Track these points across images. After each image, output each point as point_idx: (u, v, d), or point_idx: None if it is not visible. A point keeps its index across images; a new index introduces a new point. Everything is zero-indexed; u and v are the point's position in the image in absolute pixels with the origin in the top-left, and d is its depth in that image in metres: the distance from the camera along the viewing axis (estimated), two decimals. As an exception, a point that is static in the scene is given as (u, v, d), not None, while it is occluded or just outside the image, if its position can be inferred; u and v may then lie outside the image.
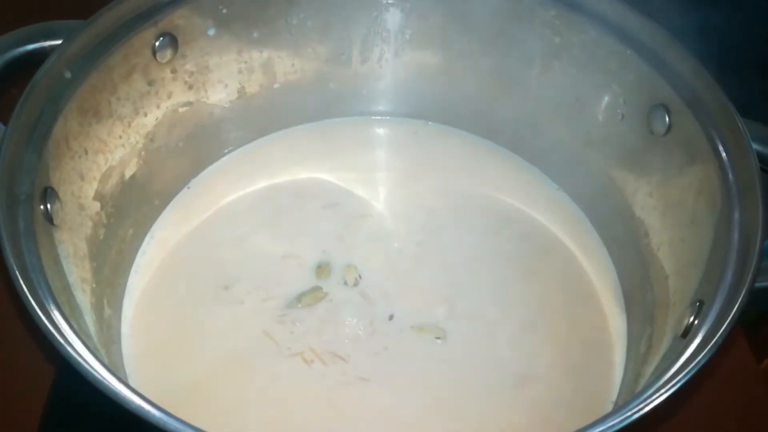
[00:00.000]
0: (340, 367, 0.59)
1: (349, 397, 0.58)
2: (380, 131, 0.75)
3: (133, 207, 0.64)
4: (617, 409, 0.44)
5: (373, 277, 0.64)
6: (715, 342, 0.46)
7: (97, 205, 0.59)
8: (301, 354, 0.60)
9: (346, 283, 0.64)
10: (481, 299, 0.63)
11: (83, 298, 0.54)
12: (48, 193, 0.52)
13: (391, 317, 0.62)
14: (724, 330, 0.47)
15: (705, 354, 0.46)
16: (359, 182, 0.70)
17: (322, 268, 0.64)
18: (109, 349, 0.56)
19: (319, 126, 0.74)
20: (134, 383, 0.57)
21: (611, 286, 0.65)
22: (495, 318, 0.62)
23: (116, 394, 0.42)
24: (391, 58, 0.71)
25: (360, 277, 0.64)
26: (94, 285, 0.57)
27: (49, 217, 0.52)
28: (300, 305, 0.62)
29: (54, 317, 0.45)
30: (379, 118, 0.75)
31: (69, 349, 0.44)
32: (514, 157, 0.73)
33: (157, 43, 0.61)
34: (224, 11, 0.63)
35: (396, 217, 0.69)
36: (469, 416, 0.58)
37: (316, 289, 0.63)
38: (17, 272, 0.46)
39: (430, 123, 0.75)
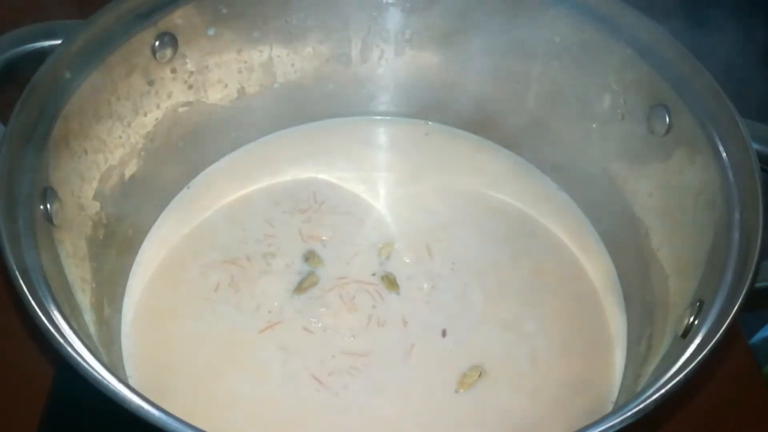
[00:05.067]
0: (339, 367, 0.59)
1: (349, 395, 0.58)
2: (380, 131, 0.75)
3: (133, 207, 0.64)
4: (617, 409, 0.44)
5: (374, 276, 0.64)
6: (715, 342, 0.47)
7: (96, 205, 0.59)
8: (300, 352, 0.60)
9: (380, 254, 0.65)
10: (480, 298, 0.63)
11: (83, 297, 0.54)
12: (48, 193, 0.52)
13: (391, 317, 0.62)
14: (723, 330, 0.47)
15: (705, 354, 0.46)
16: (359, 182, 0.70)
17: (311, 259, 0.65)
18: (108, 348, 0.56)
19: (319, 126, 0.74)
20: (134, 383, 0.57)
21: (611, 286, 0.65)
22: (493, 317, 0.62)
23: (116, 393, 0.42)
24: (392, 58, 0.71)
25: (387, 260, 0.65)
26: (94, 285, 0.57)
27: (48, 217, 0.52)
28: (299, 295, 0.63)
29: (54, 317, 0.45)
30: (380, 118, 0.75)
31: (69, 348, 0.44)
32: (514, 157, 0.73)
33: (157, 43, 0.61)
34: (224, 11, 0.63)
35: (396, 217, 0.69)
36: (469, 413, 0.58)
37: (311, 275, 0.64)
38: (17, 272, 0.46)
39: (430, 123, 0.75)
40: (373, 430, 0.57)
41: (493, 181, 0.71)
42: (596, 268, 0.66)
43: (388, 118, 0.75)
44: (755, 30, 0.70)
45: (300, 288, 0.63)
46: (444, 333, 0.61)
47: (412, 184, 0.71)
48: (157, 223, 0.67)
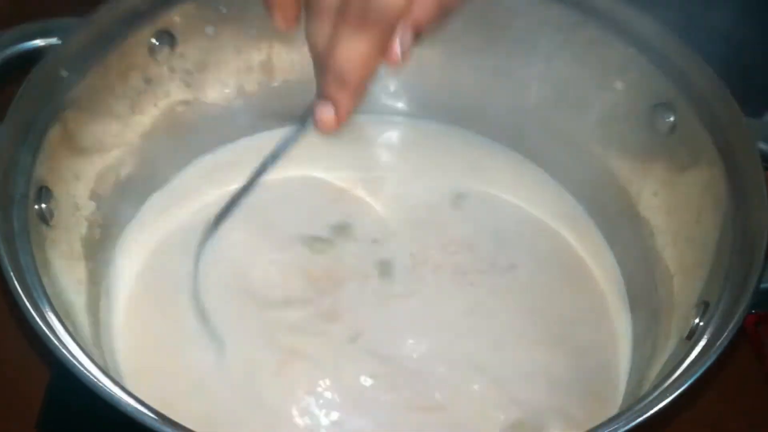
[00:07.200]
0: (341, 367, 0.59)
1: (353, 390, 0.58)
2: (381, 129, 0.74)
3: (129, 207, 0.63)
4: (621, 412, 0.44)
5: (374, 273, 0.64)
6: (720, 344, 0.46)
7: (92, 205, 0.59)
8: (302, 351, 0.59)
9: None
10: (483, 297, 0.63)
11: (78, 298, 0.54)
12: (43, 193, 0.52)
13: (389, 316, 0.62)
14: (729, 332, 0.47)
15: (710, 356, 0.46)
16: (359, 180, 0.70)
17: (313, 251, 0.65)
18: (103, 350, 0.55)
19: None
20: (129, 385, 0.56)
21: (616, 286, 0.64)
22: (496, 317, 0.62)
23: (111, 396, 0.42)
24: (391, 57, 0.71)
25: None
26: (90, 286, 0.57)
27: (44, 217, 0.52)
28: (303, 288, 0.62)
29: (48, 318, 0.45)
30: (380, 116, 0.75)
31: (64, 350, 0.44)
32: (516, 155, 0.72)
33: (155, 42, 0.60)
34: (223, 10, 0.63)
35: (397, 214, 0.68)
36: (468, 413, 0.57)
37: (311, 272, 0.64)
38: (11, 273, 0.46)
39: (430, 121, 0.74)
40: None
41: (496, 180, 0.70)
42: (601, 268, 0.65)
43: (387, 116, 0.75)
44: (761, 27, 0.70)
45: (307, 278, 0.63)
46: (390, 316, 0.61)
47: (413, 182, 0.70)
48: (153, 224, 0.66)
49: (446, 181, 0.70)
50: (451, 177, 0.71)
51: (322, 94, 0.45)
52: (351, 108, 0.45)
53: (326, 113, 0.45)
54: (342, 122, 0.45)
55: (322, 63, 0.43)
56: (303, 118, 0.49)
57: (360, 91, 0.44)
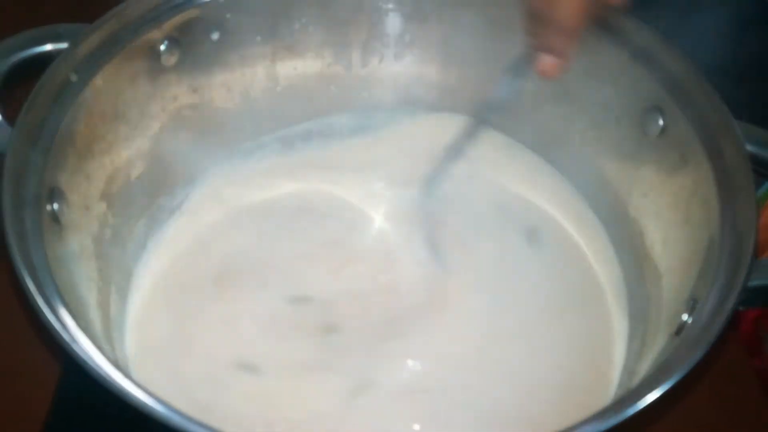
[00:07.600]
0: (346, 368, 0.60)
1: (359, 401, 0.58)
2: (383, 127, 0.74)
3: (139, 207, 0.64)
4: (609, 406, 0.45)
5: (378, 270, 0.65)
6: (708, 340, 0.47)
7: (103, 206, 0.60)
8: (305, 350, 0.60)
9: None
10: (485, 292, 0.63)
11: (89, 296, 0.55)
12: (54, 194, 0.53)
13: (390, 314, 0.62)
14: (717, 328, 0.47)
15: (698, 352, 0.47)
16: (360, 176, 0.70)
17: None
18: (114, 346, 0.56)
19: (321, 123, 0.74)
20: (140, 381, 0.57)
21: (615, 283, 0.65)
22: (496, 311, 0.62)
23: (121, 390, 0.43)
24: (392, 62, 0.72)
25: None
26: (101, 284, 0.57)
27: (55, 217, 0.53)
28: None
29: (60, 315, 0.46)
30: (382, 114, 0.75)
31: (75, 347, 0.45)
32: (517, 145, 0.72)
33: (162, 47, 0.61)
34: (228, 16, 0.64)
35: (400, 210, 0.69)
36: (467, 412, 0.58)
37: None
38: (24, 271, 0.46)
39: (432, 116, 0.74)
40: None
41: (494, 173, 0.71)
42: (602, 264, 0.66)
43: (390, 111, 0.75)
44: (749, 31, 0.71)
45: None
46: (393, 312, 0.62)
47: (415, 177, 0.70)
48: (161, 224, 0.67)
49: (451, 175, 0.69)
50: (455, 171, 0.69)
51: (542, 47, 0.51)
52: (572, 53, 0.51)
53: (549, 61, 0.51)
54: (566, 67, 0.52)
55: (540, 19, 0.50)
56: (514, 69, 0.55)
57: (578, 37, 0.50)
